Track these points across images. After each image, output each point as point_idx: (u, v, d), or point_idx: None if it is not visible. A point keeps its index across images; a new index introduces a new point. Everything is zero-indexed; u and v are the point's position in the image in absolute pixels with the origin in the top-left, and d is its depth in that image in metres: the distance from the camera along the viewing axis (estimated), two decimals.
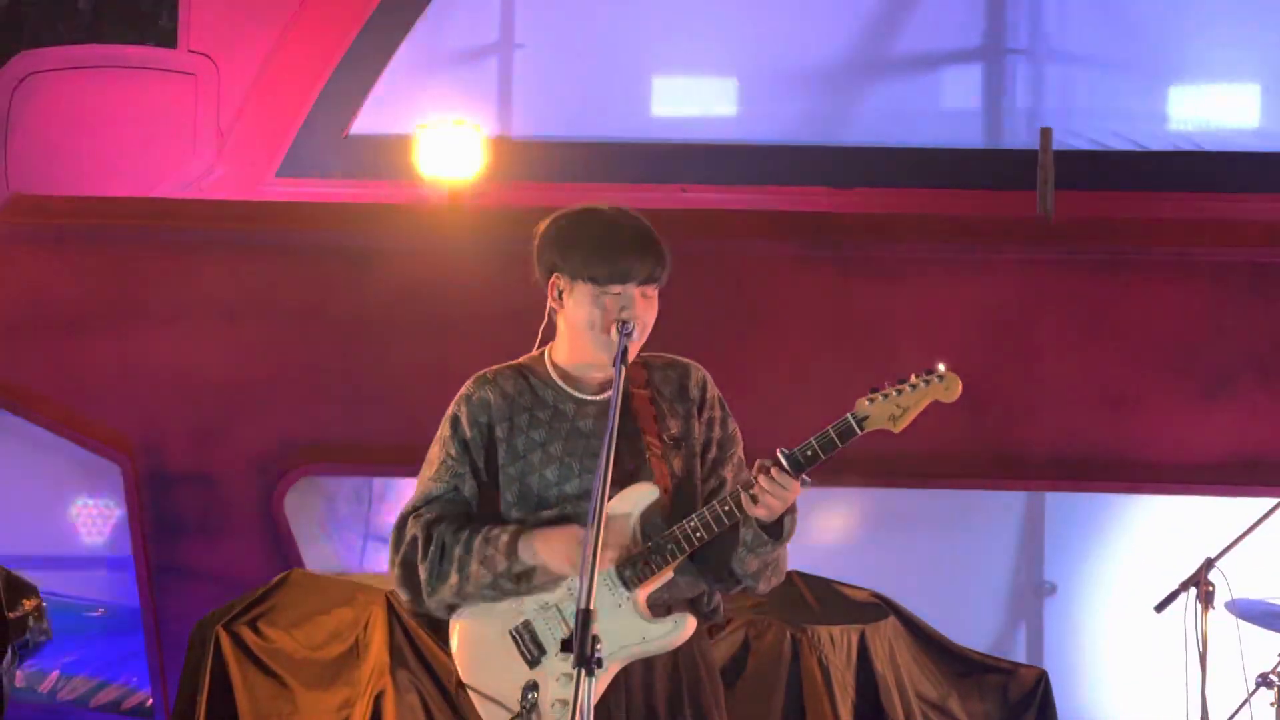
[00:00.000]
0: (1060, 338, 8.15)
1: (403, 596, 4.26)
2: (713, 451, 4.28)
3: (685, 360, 4.34)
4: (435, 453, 4.27)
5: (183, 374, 8.22)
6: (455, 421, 4.25)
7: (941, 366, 4.01)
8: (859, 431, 3.99)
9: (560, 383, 4.24)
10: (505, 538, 4.13)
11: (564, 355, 4.26)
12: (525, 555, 4.12)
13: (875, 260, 8.24)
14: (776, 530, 4.10)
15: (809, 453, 3.99)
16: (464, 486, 4.22)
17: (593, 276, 4.14)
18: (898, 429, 4.00)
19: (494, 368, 4.30)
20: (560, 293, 4.20)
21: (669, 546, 4.08)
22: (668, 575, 4.12)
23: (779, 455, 4.00)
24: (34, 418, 8.21)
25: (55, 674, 8.51)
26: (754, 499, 3.99)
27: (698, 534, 4.06)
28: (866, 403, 4.00)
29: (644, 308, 4.15)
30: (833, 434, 3.98)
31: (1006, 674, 7.08)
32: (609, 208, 4.24)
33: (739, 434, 4.35)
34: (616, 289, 4.14)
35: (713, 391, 4.31)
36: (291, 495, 8.21)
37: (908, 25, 10.51)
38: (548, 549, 4.10)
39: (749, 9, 10.50)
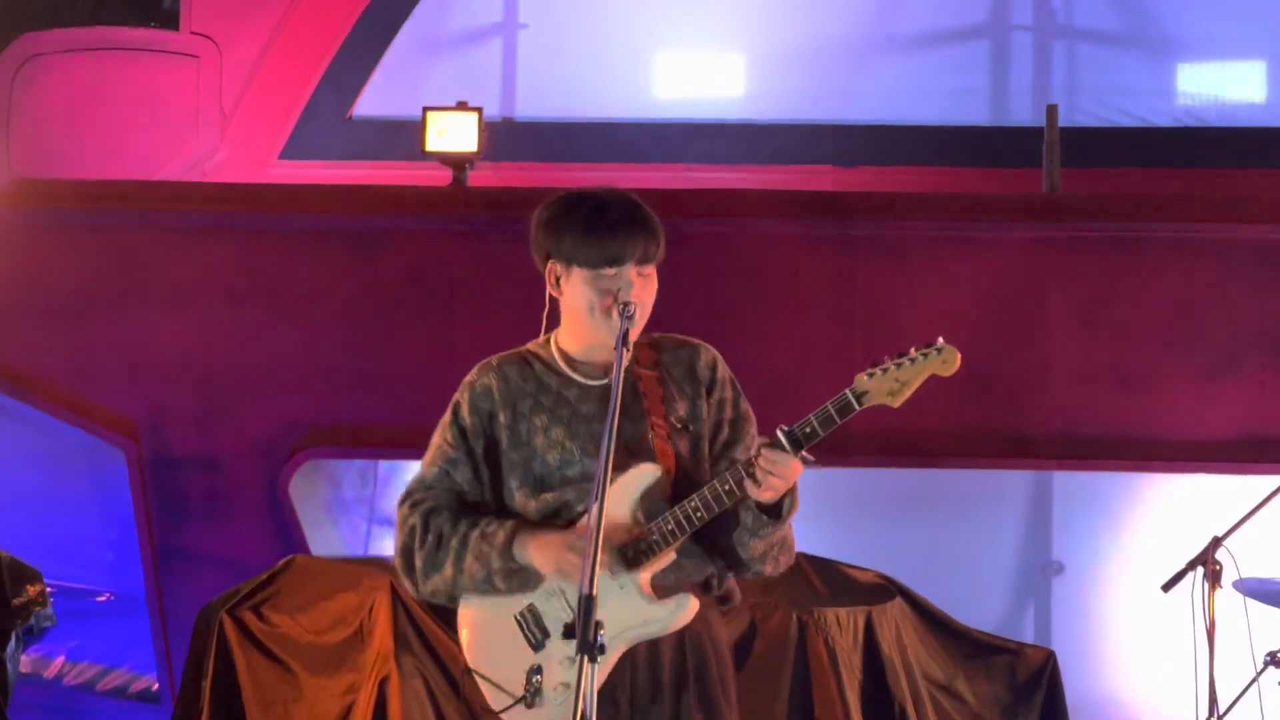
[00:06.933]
0: (1067, 316, 8.11)
1: (405, 582, 4.28)
2: (724, 433, 4.25)
3: (696, 341, 4.31)
4: (436, 438, 4.29)
5: (187, 357, 8.21)
6: (457, 408, 4.27)
7: (940, 340, 3.94)
8: (858, 407, 3.92)
9: (565, 368, 4.23)
10: (501, 536, 4.13)
11: (568, 340, 4.24)
12: (519, 556, 4.12)
13: (881, 239, 8.21)
14: (776, 511, 4.06)
15: (808, 430, 3.92)
16: (456, 472, 4.23)
17: (586, 261, 4.12)
18: (896, 404, 3.93)
19: (499, 355, 4.29)
20: (558, 279, 4.18)
21: (669, 527, 4.04)
22: (670, 557, 4.09)
23: (778, 433, 3.95)
24: (38, 402, 8.20)
25: (61, 659, 8.51)
26: (755, 480, 3.94)
27: (698, 514, 4.02)
28: (866, 378, 3.92)
29: (641, 287, 4.12)
30: (832, 410, 3.92)
31: (1014, 654, 7.06)
32: (598, 189, 4.21)
33: (752, 414, 4.30)
34: (611, 271, 4.11)
35: (723, 372, 4.27)
36: (297, 479, 8.19)
37: (913, 2, 10.46)
38: (540, 555, 4.10)
39: None
